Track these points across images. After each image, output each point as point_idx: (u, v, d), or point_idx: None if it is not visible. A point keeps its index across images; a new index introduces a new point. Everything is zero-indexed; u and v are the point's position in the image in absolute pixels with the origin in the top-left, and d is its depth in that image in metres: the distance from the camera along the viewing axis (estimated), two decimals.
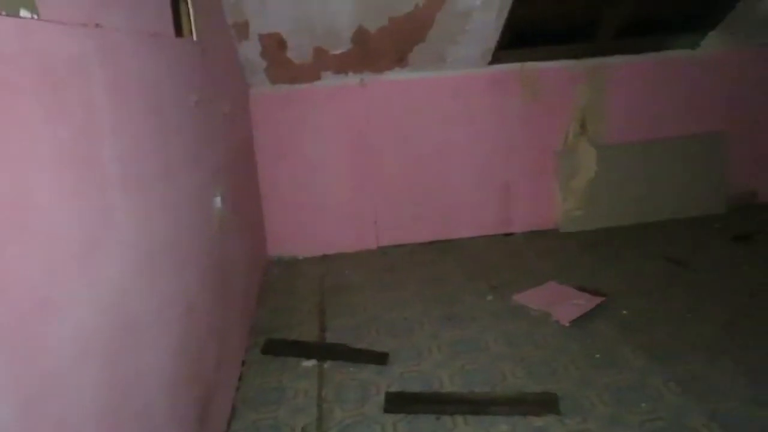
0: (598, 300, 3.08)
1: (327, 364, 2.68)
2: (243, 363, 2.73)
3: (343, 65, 3.64)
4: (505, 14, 3.38)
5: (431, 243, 4.10)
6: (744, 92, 4.13)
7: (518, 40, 3.76)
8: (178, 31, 2.15)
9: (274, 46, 3.38)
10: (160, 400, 1.52)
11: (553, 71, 3.92)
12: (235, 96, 3.23)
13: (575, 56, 3.89)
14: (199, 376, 1.91)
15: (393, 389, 2.45)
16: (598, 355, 2.60)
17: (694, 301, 3.02)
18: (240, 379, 2.60)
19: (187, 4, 2.30)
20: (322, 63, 3.59)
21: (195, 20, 2.34)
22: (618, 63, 3.95)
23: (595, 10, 3.64)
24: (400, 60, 3.65)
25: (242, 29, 3.23)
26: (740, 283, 3.18)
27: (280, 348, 2.82)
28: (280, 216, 3.94)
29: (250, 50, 3.39)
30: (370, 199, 4.00)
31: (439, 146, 3.96)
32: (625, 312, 2.98)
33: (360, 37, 3.39)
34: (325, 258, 4.00)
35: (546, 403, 2.27)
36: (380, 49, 3.54)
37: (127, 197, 1.39)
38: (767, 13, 3.73)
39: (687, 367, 2.47)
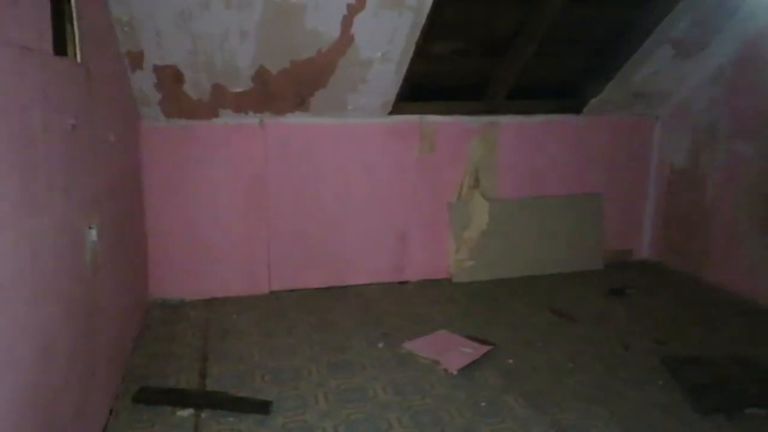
0: (485, 349, 3.13)
1: (204, 414, 2.50)
2: (110, 412, 2.49)
3: (242, 104, 3.58)
4: (404, 68, 3.49)
5: (325, 288, 4.03)
6: (621, 157, 4.48)
7: (418, 93, 3.89)
8: (60, 50, 2.02)
9: (170, 79, 3.27)
10: None
11: (449, 125, 4.07)
12: (123, 126, 3.07)
13: (470, 113, 4.07)
14: (51, 426, 1.70)
15: None
16: (483, 404, 2.62)
17: (575, 352, 3.14)
18: (105, 430, 2.36)
19: (72, 24, 2.18)
20: (220, 100, 3.51)
21: (80, 41, 2.21)
22: (509, 122, 4.17)
23: (487, 71, 3.85)
24: (301, 103, 3.65)
25: (136, 59, 3.11)
26: (615, 335, 3.35)
27: (155, 396, 2.61)
28: (166, 256, 3.73)
29: (144, 81, 3.26)
30: (264, 242, 3.89)
31: (336, 192, 3.96)
32: (510, 361, 3.05)
33: (261, 77, 3.36)
34: (212, 301, 3.80)
35: None
36: (281, 91, 3.52)
37: None
38: (639, 87, 4.11)
39: (566, 415, 2.53)
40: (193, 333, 3.34)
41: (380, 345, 3.21)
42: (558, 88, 4.21)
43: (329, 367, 2.94)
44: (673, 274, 4.37)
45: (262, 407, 2.52)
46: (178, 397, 2.60)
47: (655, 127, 4.50)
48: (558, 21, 3.51)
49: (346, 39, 3.20)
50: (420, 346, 3.19)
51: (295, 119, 3.77)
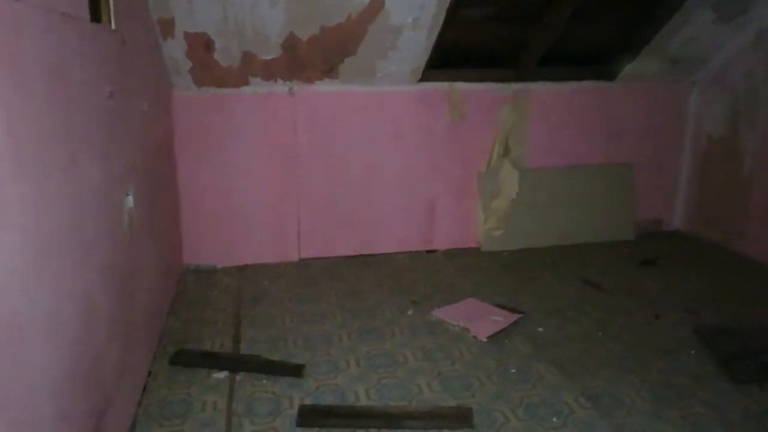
0: (515, 317, 3.13)
1: (239, 376, 2.57)
2: (149, 373, 2.57)
3: (272, 72, 3.57)
4: (435, 34, 3.44)
5: (354, 257, 4.06)
6: (655, 125, 4.38)
7: (447, 60, 3.83)
8: (95, 16, 2.03)
9: (201, 46, 3.27)
10: (46, 407, 1.39)
11: (479, 93, 4.01)
12: (155, 94, 3.09)
13: (501, 80, 4.01)
14: (96, 385, 1.77)
15: (307, 402, 2.37)
16: (513, 370, 2.63)
17: (604, 321, 3.13)
18: (144, 390, 2.45)
19: None
20: (250, 68, 3.51)
21: (115, 8, 2.22)
22: (541, 89, 4.10)
23: (520, 37, 3.77)
24: (330, 71, 3.63)
25: (167, 26, 3.12)
26: (646, 305, 3.33)
27: (191, 359, 2.68)
28: (199, 223, 3.79)
29: (175, 49, 3.27)
30: (294, 210, 3.92)
31: (365, 160, 3.95)
32: (540, 329, 3.05)
33: (290, 43, 3.35)
34: (244, 268, 3.87)
35: (460, 418, 2.26)
36: (310, 59, 3.50)
37: (20, 187, 1.28)
38: (676, 53, 3.99)
39: (596, 383, 2.54)
40: (226, 299, 3.40)
41: (410, 312, 3.24)
42: (592, 55, 4.11)
43: (360, 334, 2.98)
44: (706, 245, 4.30)
45: (296, 370, 2.57)
46: (213, 360, 2.67)
47: (691, 94, 4.37)
48: None
49: (376, 4, 3.15)
50: (449, 314, 3.21)
51: (324, 87, 3.75)
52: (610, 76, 4.19)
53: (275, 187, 3.86)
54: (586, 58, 4.11)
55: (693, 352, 2.81)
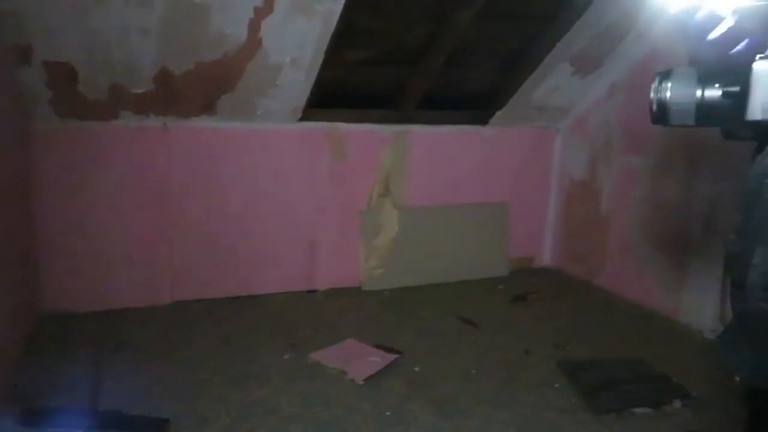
0: (392, 357, 3.14)
1: None
2: None
3: (144, 106, 3.41)
4: (314, 74, 3.46)
5: (233, 298, 3.91)
6: (525, 168, 4.66)
7: (328, 100, 3.87)
8: None
9: (63, 76, 3.06)
10: None
11: (361, 133, 4.07)
12: (4, 125, 2.84)
13: (382, 121, 4.10)
14: None
15: None
16: (388, 413, 2.62)
17: (479, 358, 3.22)
18: None
19: None
20: (120, 101, 3.33)
21: None
22: (420, 131, 4.24)
23: (400, 80, 3.90)
24: (207, 107, 3.53)
25: (23, 53, 2.89)
26: (517, 340, 3.47)
27: (40, 417, 2.42)
28: (59, 265, 3.49)
29: (32, 77, 3.03)
30: (167, 250, 3.72)
31: (245, 199, 3.86)
32: (417, 368, 3.07)
33: (163, 78, 3.22)
34: (108, 313, 3.59)
35: None
36: (186, 94, 3.39)
37: None
38: (541, 101, 4.29)
39: (469, 422, 2.59)
40: (85, 347, 3.13)
41: (286, 356, 3.15)
42: (468, 100, 4.32)
43: (233, 380, 2.85)
44: (572, 280, 4.59)
45: (158, 426, 2.40)
46: (66, 418, 2.43)
47: (556, 139, 4.71)
48: (466, 34, 3.60)
49: (253, 42, 3.13)
50: (327, 356, 3.16)
51: (201, 123, 3.64)
52: (483, 120, 4.42)
53: (146, 226, 3.65)
54: (463, 102, 4.32)
55: (557, 385, 2.94)
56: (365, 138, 4.10)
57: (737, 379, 0.79)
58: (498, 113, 4.33)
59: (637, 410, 2.72)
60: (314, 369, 3.02)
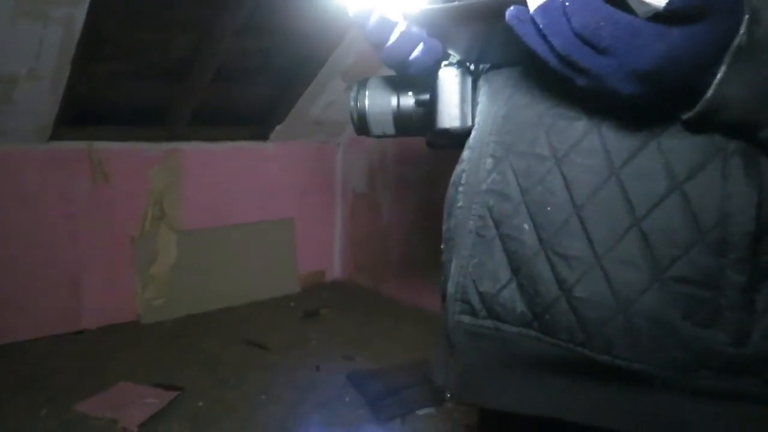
0: (171, 395, 2.88)
1: None
2: None
3: None
4: (61, 88, 3.06)
5: None
6: (310, 183, 4.65)
7: (85, 117, 3.47)
8: None
9: None
10: None
11: (126, 153, 3.71)
12: None
13: (150, 139, 3.78)
14: None
15: None
16: None
17: (267, 382, 3.09)
18: None
19: None
20: None
21: None
22: (195, 149, 3.99)
23: (164, 97, 3.63)
24: None
25: None
26: (308, 357, 3.41)
27: None
28: None
29: None
30: None
31: None
32: (201, 403, 2.85)
33: None
34: None
35: None
36: None
37: None
38: (318, 116, 4.32)
39: None
40: None
41: (43, 412, 2.72)
42: (245, 115, 4.18)
43: None
44: (360, 291, 4.66)
45: None
46: None
47: (337, 153, 4.79)
48: (235, 49, 3.47)
49: None
50: (95, 406, 2.78)
51: None
52: (263, 136, 4.32)
53: None
54: (241, 118, 4.17)
55: (347, 399, 2.93)
56: (131, 158, 3.74)
57: (447, 395, 0.77)
58: (277, 128, 4.26)
59: (420, 412, 2.81)
60: (79, 423, 2.64)
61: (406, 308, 4.25)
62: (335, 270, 4.92)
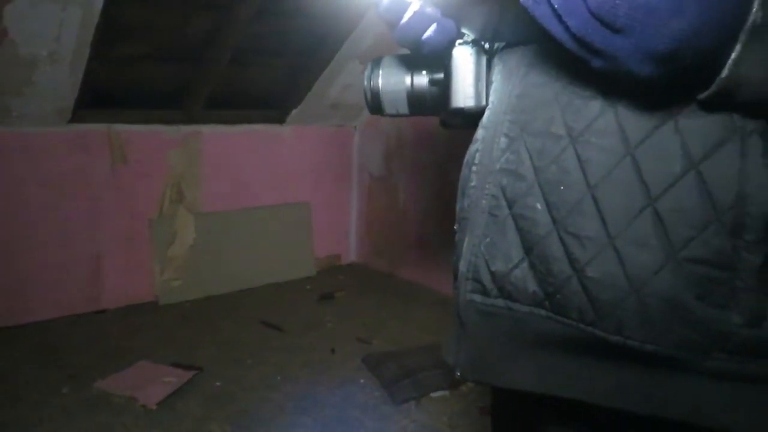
0: (190, 374, 2.92)
1: None
2: None
3: None
4: (80, 71, 3.09)
5: None
6: (326, 166, 4.66)
7: (105, 100, 3.50)
8: None
9: None
10: None
11: (144, 135, 3.74)
12: None
13: (168, 122, 3.81)
14: None
15: None
16: None
17: (283, 363, 3.12)
18: None
19: None
20: None
21: None
22: (212, 132, 4.01)
23: (183, 78, 3.64)
24: None
25: None
26: (324, 339, 3.43)
27: None
28: None
29: None
30: None
31: (7, 212, 3.33)
32: (218, 383, 2.90)
33: None
34: None
35: None
36: None
37: None
38: (335, 99, 4.31)
39: None
40: None
41: (65, 390, 2.78)
42: (262, 99, 4.18)
43: None
44: (376, 274, 4.68)
45: None
46: None
47: (354, 137, 4.78)
48: (252, 31, 3.46)
49: None
50: (115, 384, 2.84)
51: None
52: (280, 119, 4.32)
53: None
54: (258, 101, 4.18)
55: (362, 380, 2.96)
56: (150, 140, 3.77)
57: (457, 374, 0.78)
58: (294, 112, 4.26)
59: (435, 394, 2.82)
60: (99, 400, 2.69)
61: (421, 291, 4.26)
62: (351, 253, 4.93)
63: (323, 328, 3.62)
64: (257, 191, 4.30)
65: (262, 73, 3.96)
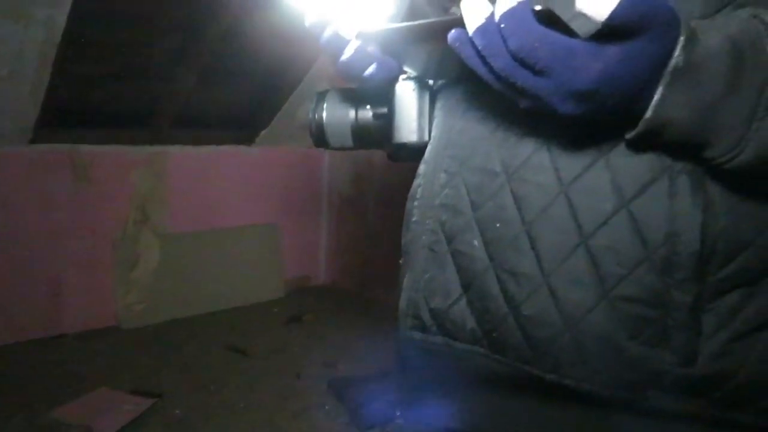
0: (149, 402, 2.85)
1: None
2: None
3: None
4: (42, 89, 3.03)
5: None
6: (296, 187, 4.63)
7: (68, 119, 3.44)
8: None
9: None
10: None
11: (109, 155, 3.68)
12: None
13: (133, 142, 3.75)
14: None
15: None
16: None
17: (248, 389, 3.06)
18: None
19: None
20: None
21: None
22: (179, 152, 3.97)
23: (148, 99, 3.60)
24: None
25: None
26: (290, 364, 3.38)
27: None
28: None
29: None
30: None
31: None
32: (178, 411, 2.82)
33: None
34: None
35: None
36: None
37: None
38: (305, 120, 4.29)
39: None
40: None
41: (17, 418, 2.68)
42: (230, 119, 4.16)
43: None
44: (345, 296, 4.64)
45: None
46: None
47: (323, 158, 4.77)
48: (220, 51, 3.45)
49: None
50: (71, 412, 2.75)
51: None
52: (248, 140, 4.30)
53: None
54: (226, 122, 4.15)
55: (327, 407, 2.91)
56: (115, 160, 3.71)
57: (398, 413, 0.76)
58: (263, 132, 4.24)
59: (400, 420, 2.78)
60: (52, 430, 2.60)
61: (392, 313, 4.22)
62: (320, 275, 4.89)
63: (290, 351, 3.57)
64: (225, 212, 4.25)
65: (230, 93, 3.94)
